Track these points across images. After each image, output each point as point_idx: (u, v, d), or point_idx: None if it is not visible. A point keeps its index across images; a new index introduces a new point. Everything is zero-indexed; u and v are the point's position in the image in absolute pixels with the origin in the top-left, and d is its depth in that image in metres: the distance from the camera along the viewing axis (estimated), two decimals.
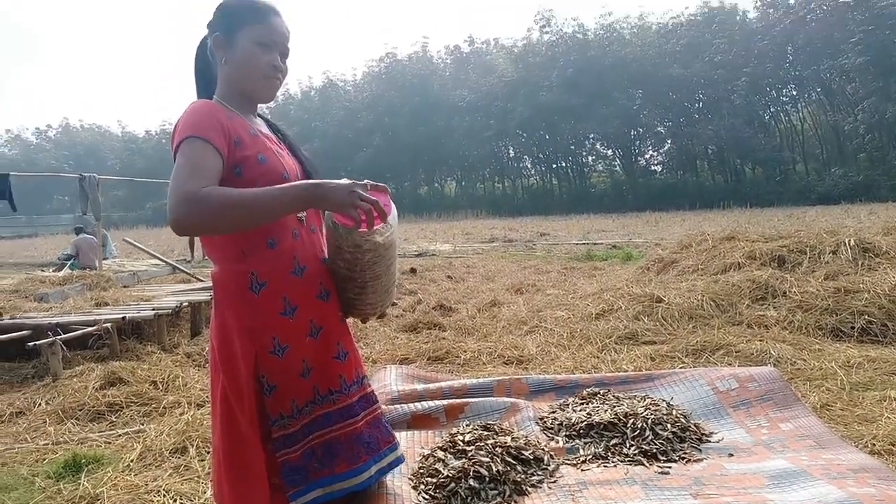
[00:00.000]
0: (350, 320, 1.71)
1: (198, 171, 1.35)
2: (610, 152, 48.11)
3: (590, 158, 49.31)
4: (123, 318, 4.99)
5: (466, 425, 2.79)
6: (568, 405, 3.09)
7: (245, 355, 1.50)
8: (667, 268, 6.53)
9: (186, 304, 5.89)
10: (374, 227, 1.43)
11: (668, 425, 2.72)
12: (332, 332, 1.60)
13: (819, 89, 39.12)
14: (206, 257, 1.62)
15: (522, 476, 2.40)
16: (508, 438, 2.60)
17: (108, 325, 4.82)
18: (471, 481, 2.32)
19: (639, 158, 46.49)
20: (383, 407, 2.96)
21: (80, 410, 3.65)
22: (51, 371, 4.31)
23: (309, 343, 1.55)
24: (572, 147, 46.83)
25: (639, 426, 2.71)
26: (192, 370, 4.46)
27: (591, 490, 2.31)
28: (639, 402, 2.97)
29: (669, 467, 2.47)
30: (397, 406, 3.16)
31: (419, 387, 3.45)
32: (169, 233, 28.58)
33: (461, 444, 2.57)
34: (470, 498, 2.23)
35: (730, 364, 3.83)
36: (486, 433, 2.66)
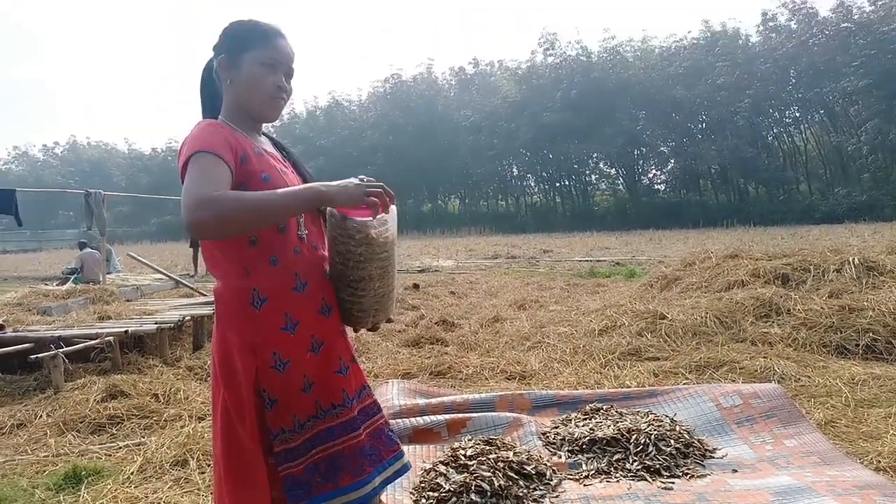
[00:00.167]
0: (351, 335, 1.71)
1: (210, 179, 1.37)
2: (613, 171, 48.22)
3: (593, 177, 49.42)
4: (126, 331, 4.99)
5: (468, 440, 2.78)
6: (570, 420, 3.08)
7: (246, 370, 1.50)
8: (670, 285, 6.52)
9: (189, 318, 5.89)
10: (371, 219, 1.47)
11: (672, 441, 2.70)
12: (333, 348, 1.61)
13: (822, 111, 39.26)
14: (209, 273, 1.62)
15: (525, 491, 2.39)
16: (511, 453, 2.59)
17: (111, 338, 4.82)
18: (472, 496, 2.31)
19: (642, 177, 46.57)
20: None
21: (82, 423, 3.65)
22: (52, 384, 4.31)
23: (310, 358, 1.56)
24: (576, 166, 46.95)
25: (642, 442, 2.69)
26: (193, 383, 4.45)
27: None
28: (642, 417, 2.96)
29: (673, 483, 2.46)
30: (399, 420, 3.15)
31: (421, 401, 3.44)
32: (172, 248, 28.75)
33: (463, 458, 2.56)
34: None
35: (733, 381, 3.81)
36: (488, 448, 2.65)
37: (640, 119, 43.24)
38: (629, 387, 3.84)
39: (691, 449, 2.70)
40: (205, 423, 3.43)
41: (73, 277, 11.29)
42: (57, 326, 5.75)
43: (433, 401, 3.44)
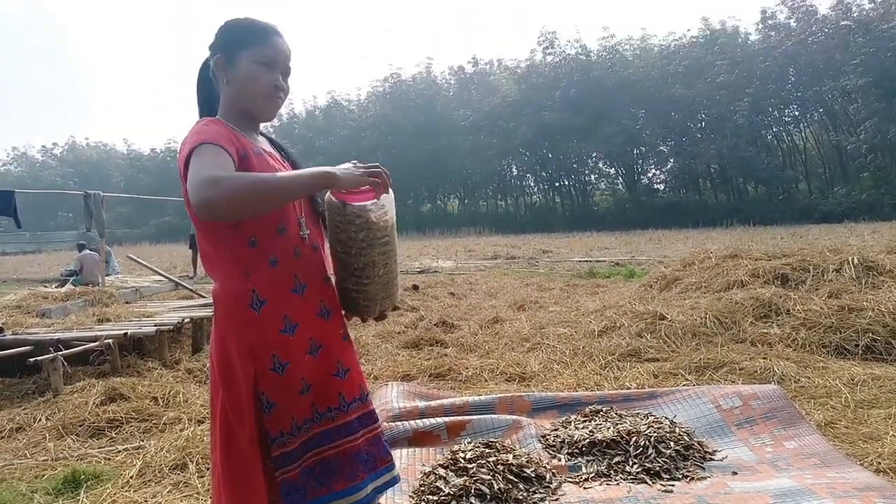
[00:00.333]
0: (353, 338, 1.71)
1: (215, 164, 1.36)
2: (613, 171, 48.21)
3: (592, 177, 49.41)
4: (125, 333, 4.99)
5: (468, 443, 2.78)
6: (570, 423, 3.08)
7: (245, 372, 1.49)
8: (670, 285, 6.51)
9: (188, 320, 5.88)
10: (370, 203, 1.49)
11: (672, 443, 2.70)
12: (332, 350, 1.60)
13: (821, 110, 39.27)
14: (207, 275, 1.62)
15: (524, 494, 2.39)
16: (510, 456, 2.59)
17: (110, 340, 4.82)
18: (472, 499, 2.30)
19: (641, 177, 46.57)
20: (384, 424, 2.95)
21: (81, 426, 3.64)
22: (52, 387, 4.30)
23: (308, 361, 1.55)
24: (575, 165, 46.96)
25: (642, 444, 2.69)
26: (192, 386, 4.45)
27: None
28: (642, 419, 2.96)
29: (673, 486, 2.45)
30: (398, 423, 3.15)
31: (420, 404, 3.43)
32: (171, 249, 28.73)
33: (463, 461, 2.55)
34: None
35: (733, 382, 3.80)
36: (487, 451, 2.65)
37: (640, 118, 43.25)
38: (629, 388, 3.83)
39: (691, 451, 2.70)
40: (204, 427, 3.43)
41: (72, 279, 11.29)
42: (56, 329, 5.75)
43: (433, 403, 3.44)
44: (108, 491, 2.72)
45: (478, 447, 2.68)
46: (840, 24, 35.34)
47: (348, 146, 49.33)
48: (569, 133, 42.46)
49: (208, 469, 2.83)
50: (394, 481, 1.70)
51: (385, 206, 1.53)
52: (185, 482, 2.80)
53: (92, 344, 4.78)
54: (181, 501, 2.62)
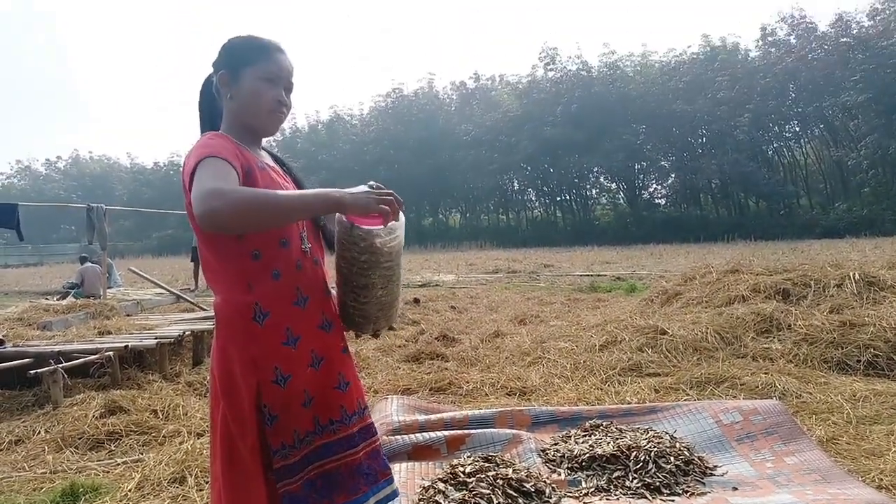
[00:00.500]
0: (352, 350, 1.72)
1: (220, 177, 1.37)
2: (614, 185, 48.35)
3: (594, 191, 49.56)
4: (126, 346, 4.99)
5: (468, 457, 2.77)
6: (570, 437, 3.07)
7: (247, 384, 1.50)
8: (671, 300, 6.51)
9: (189, 332, 5.88)
10: (378, 228, 1.49)
11: (672, 458, 2.69)
12: (333, 363, 1.61)
13: (822, 125, 39.42)
14: (209, 287, 1.63)
15: None
16: (510, 470, 2.58)
17: (110, 353, 4.82)
18: None
19: (643, 192, 46.67)
20: (383, 438, 2.95)
21: (80, 439, 3.63)
22: (51, 399, 4.30)
23: (310, 373, 1.56)
24: (576, 180, 47.11)
25: (642, 459, 2.68)
26: (192, 399, 4.44)
27: None
28: (642, 434, 2.95)
29: (673, 501, 2.44)
30: (398, 437, 3.14)
31: (420, 418, 3.43)
32: (173, 262, 28.75)
33: (462, 475, 2.55)
34: None
35: (734, 397, 3.79)
36: (487, 465, 2.64)
37: (641, 133, 43.44)
38: (629, 403, 3.82)
39: (691, 466, 2.69)
40: (203, 440, 3.42)
41: (73, 292, 11.31)
42: (57, 341, 5.75)
43: (432, 417, 3.43)
44: None
45: (477, 461, 2.67)
46: (840, 41, 35.58)
47: (350, 160, 49.57)
48: (570, 148, 42.66)
49: (207, 483, 2.82)
50: (394, 495, 1.70)
51: (393, 233, 1.54)
52: (183, 496, 2.79)
53: (92, 356, 4.77)
54: None
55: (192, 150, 1.49)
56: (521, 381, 4.56)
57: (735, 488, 2.53)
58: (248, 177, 1.49)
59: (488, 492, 2.38)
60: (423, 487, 2.56)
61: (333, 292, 1.67)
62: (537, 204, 52.27)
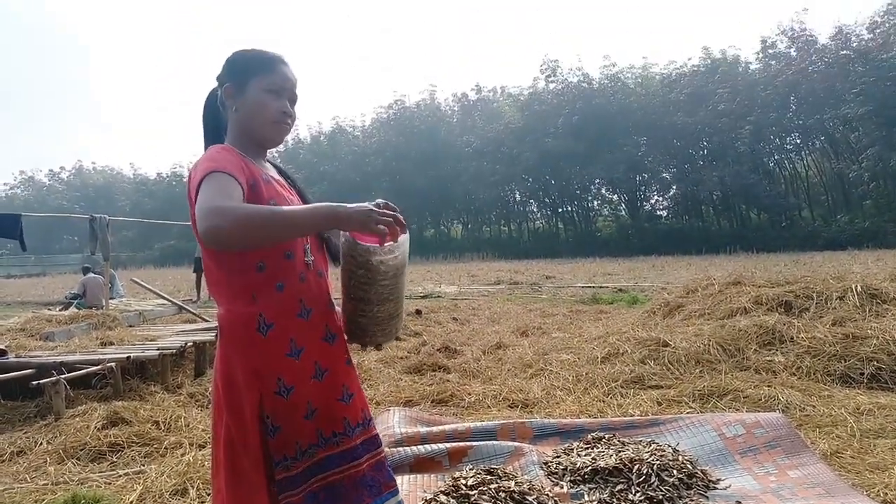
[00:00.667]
0: (355, 362, 1.72)
1: (225, 194, 1.39)
2: (615, 197, 48.44)
3: (595, 203, 49.66)
4: (128, 357, 4.99)
5: (470, 469, 2.76)
6: (573, 450, 3.06)
7: (250, 395, 1.50)
8: (673, 312, 6.50)
9: (191, 343, 5.89)
10: (374, 246, 1.49)
11: (675, 471, 2.68)
12: (336, 375, 1.61)
13: (822, 138, 39.51)
14: (211, 298, 1.63)
15: None
16: (512, 483, 2.57)
17: (112, 364, 4.82)
18: None
19: (644, 203, 46.75)
20: (386, 450, 2.94)
21: (82, 450, 3.63)
22: (53, 410, 4.29)
23: (313, 385, 1.56)
24: (578, 192, 47.22)
25: (644, 472, 2.67)
26: (194, 410, 4.43)
27: None
28: (644, 447, 2.94)
29: None
30: (400, 449, 3.13)
31: (422, 430, 3.42)
32: (175, 273, 28.78)
33: (464, 488, 2.54)
34: None
35: (737, 410, 3.78)
36: (489, 477, 2.63)
37: (642, 145, 43.58)
38: (632, 415, 3.81)
39: (694, 479, 2.68)
40: (205, 452, 3.41)
41: (76, 302, 11.33)
42: (59, 352, 5.75)
43: (434, 429, 3.42)
44: None
45: (479, 474, 2.66)
46: (840, 54, 35.75)
47: (352, 172, 49.77)
48: (572, 159, 42.80)
49: (209, 495, 2.81)
50: None
51: (392, 252, 1.54)
52: None
53: (94, 367, 4.78)
54: None
55: (198, 162, 1.51)
56: (523, 394, 4.55)
57: (738, 502, 2.52)
58: (253, 190, 1.51)
59: None
60: (426, 500, 2.55)
61: (336, 304, 1.68)
62: (539, 215, 52.38)
